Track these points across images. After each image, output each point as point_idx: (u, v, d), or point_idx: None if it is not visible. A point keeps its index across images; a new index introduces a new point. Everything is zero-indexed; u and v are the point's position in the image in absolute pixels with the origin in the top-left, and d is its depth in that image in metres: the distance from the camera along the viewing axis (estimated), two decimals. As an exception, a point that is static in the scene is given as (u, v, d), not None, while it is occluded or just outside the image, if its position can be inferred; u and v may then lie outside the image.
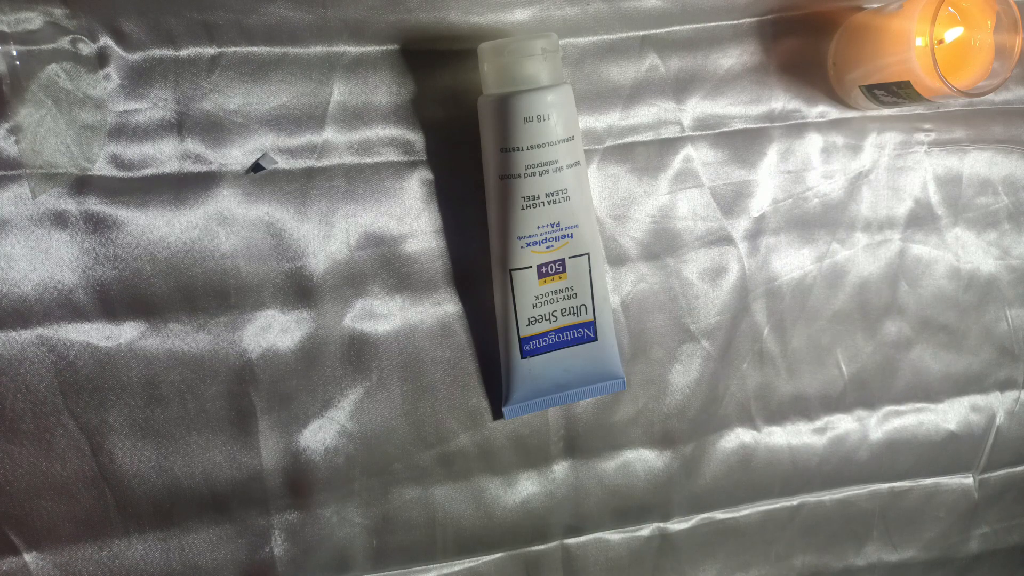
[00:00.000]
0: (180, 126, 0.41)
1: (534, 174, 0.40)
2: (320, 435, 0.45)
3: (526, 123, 0.39)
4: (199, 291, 0.42)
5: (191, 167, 0.41)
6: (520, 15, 0.44)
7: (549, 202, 0.41)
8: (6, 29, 0.38)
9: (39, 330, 0.41)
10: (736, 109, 0.47)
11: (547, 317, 0.43)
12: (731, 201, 0.48)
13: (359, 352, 0.44)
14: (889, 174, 0.50)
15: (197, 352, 0.42)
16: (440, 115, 0.43)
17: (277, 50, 0.42)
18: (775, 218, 0.49)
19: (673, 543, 0.50)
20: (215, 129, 0.41)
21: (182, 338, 0.42)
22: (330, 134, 0.43)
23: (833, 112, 0.49)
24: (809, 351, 0.50)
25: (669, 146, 0.47)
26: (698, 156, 0.47)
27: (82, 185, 0.40)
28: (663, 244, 0.47)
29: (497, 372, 0.46)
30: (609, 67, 0.45)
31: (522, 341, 0.43)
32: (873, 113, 0.49)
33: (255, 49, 0.41)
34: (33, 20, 0.39)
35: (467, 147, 0.43)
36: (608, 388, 0.46)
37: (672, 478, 0.49)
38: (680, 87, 0.46)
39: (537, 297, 0.43)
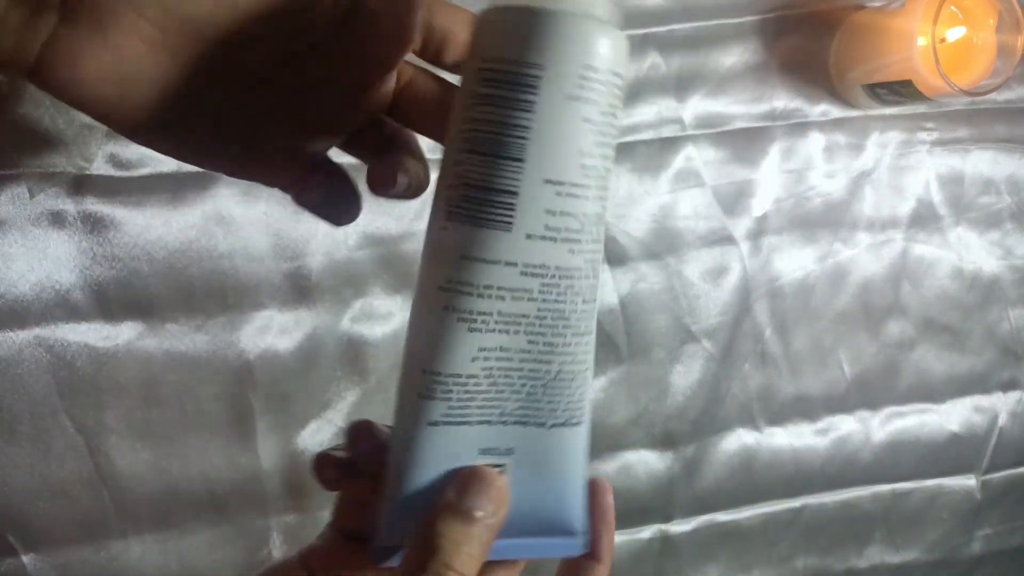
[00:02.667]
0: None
1: None
2: (319, 436, 0.44)
3: None
4: (197, 291, 0.42)
5: (189, 167, 0.41)
6: (520, 13, 0.43)
7: None
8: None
9: (37, 330, 0.41)
10: (738, 108, 0.47)
11: None
12: (733, 200, 0.48)
13: (358, 353, 0.44)
14: (891, 173, 0.50)
15: (195, 353, 0.42)
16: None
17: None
18: (777, 218, 0.48)
19: (674, 545, 0.50)
20: (213, 128, 0.41)
21: (180, 338, 0.42)
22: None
23: (835, 111, 0.49)
24: (811, 352, 0.50)
25: (670, 145, 0.46)
26: (699, 155, 0.47)
27: (80, 185, 0.40)
28: (664, 243, 0.47)
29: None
30: (610, 65, 0.45)
31: None
32: (875, 112, 0.49)
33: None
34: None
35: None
36: None
37: (673, 479, 0.49)
38: (681, 85, 0.46)
39: None
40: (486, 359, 0.23)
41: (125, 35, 0.24)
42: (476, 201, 0.23)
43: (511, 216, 0.22)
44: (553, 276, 0.23)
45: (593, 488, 0.28)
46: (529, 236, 0.22)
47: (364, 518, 0.27)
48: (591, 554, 0.27)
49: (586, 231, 0.23)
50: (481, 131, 0.23)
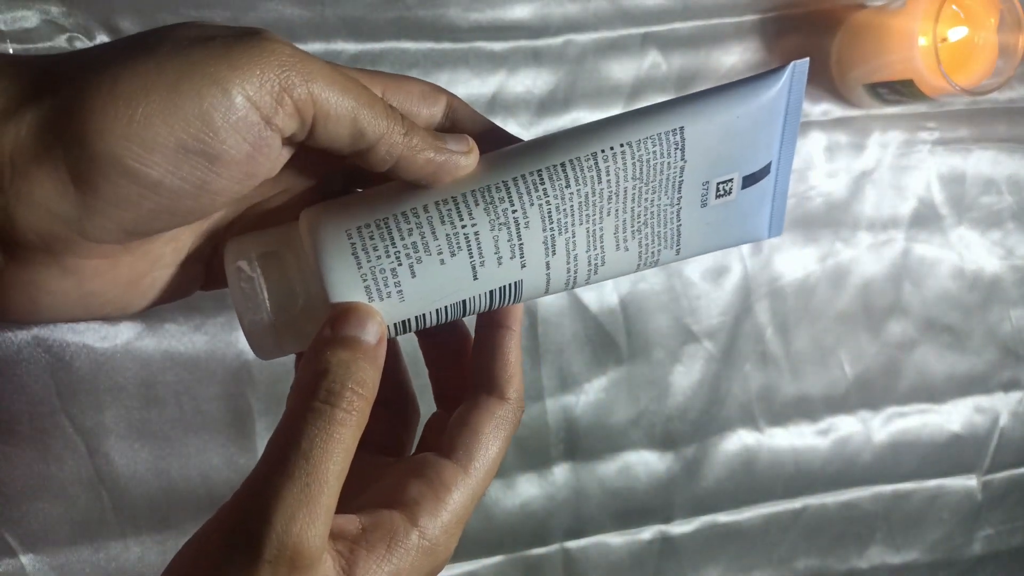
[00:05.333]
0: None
1: None
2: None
3: None
4: (196, 291, 0.42)
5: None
6: (520, 12, 0.43)
7: None
8: (3, 27, 0.38)
9: (35, 331, 0.41)
10: (738, 107, 0.47)
11: None
12: (733, 200, 0.47)
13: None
14: (893, 173, 0.50)
15: (194, 353, 0.42)
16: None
17: (275, 48, 0.41)
18: (777, 218, 0.48)
19: (675, 546, 0.50)
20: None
21: (178, 339, 0.42)
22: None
23: (836, 110, 0.49)
24: (812, 352, 0.50)
25: (671, 145, 0.46)
26: (700, 155, 0.47)
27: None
28: (665, 244, 0.47)
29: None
30: (610, 64, 0.45)
31: None
32: (877, 112, 0.49)
33: (253, 47, 0.41)
34: (30, 18, 0.39)
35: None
36: None
37: (674, 480, 0.49)
38: (682, 85, 0.46)
39: None
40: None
41: (82, 259, 0.22)
42: None
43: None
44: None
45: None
46: None
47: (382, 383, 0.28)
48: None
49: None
50: None
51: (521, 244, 0.25)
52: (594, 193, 0.25)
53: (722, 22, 0.46)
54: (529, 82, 0.44)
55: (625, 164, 0.25)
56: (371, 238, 0.24)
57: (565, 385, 0.47)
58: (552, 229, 0.25)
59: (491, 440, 0.26)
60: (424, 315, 0.25)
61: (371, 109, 0.22)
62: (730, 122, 0.25)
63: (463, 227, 0.24)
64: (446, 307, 0.25)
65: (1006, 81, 0.43)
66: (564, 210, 0.25)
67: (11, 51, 0.38)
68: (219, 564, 0.21)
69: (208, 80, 0.20)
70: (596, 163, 0.24)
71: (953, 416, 0.53)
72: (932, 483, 0.53)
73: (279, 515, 0.21)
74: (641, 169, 0.25)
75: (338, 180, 0.28)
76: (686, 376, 0.48)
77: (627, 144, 0.24)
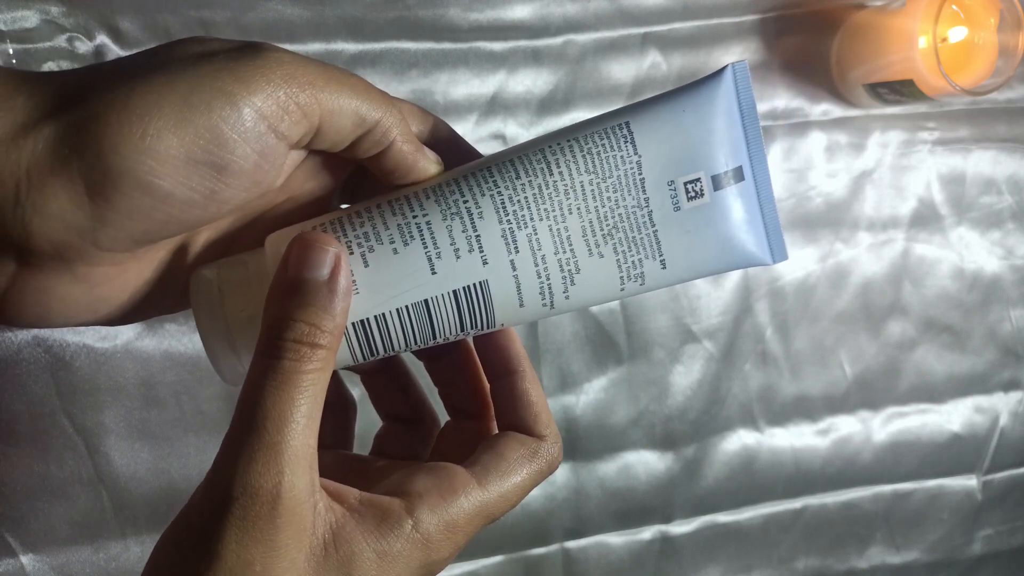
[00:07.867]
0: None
1: None
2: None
3: None
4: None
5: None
6: (520, 12, 0.43)
7: None
8: (3, 27, 0.38)
9: (35, 331, 0.41)
10: (738, 107, 0.47)
11: None
12: (733, 200, 0.47)
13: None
14: (893, 173, 0.50)
15: (193, 353, 0.42)
16: (439, 113, 0.43)
17: (275, 48, 0.41)
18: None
19: (675, 546, 0.50)
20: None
21: (178, 338, 0.42)
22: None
23: (836, 110, 0.49)
24: (812, 352, 0.50)
25: (671, 145, 0.46)
26: (700, 155, 0.47)
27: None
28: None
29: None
30: (611, 64, 0.45)
31: None
32: (877, 112, 0.49)
33: (252, 47, 0.41)
34: (30, 18, 0.39)
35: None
36: None
37: (674, 480, 0.49)
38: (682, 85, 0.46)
39: None
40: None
41: (93, 267, 0.23)
42: None
43: None
44: None
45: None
46: None
47: (394, 401, 0.31)
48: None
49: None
50: None
51: (478, 235, 0.25)
52: (548, 186, 0.25)
53: (722, 22, 0.46)
54: (529, 82, 0.44)
55: (575, 156, 0.25)
56: (324, 233, 0.24)
57: (565, 385, 0.47)
58: (510, 222, 0.25)
59: (515, 466, 0.26)
60: (385, 316, 0.25)
61: (369, 99, 0.24)
62: (677, 116, 0.25)
63: (414, 216, 0.24)
64: (408, 308, 0.25)
65: (1006, 81, 0.43)
66: (519, 201, 0.25)
67: (11, 51, 0.38)
68: (203, 513, 0.23)
69: (217, 93, 0.21)
70: (544, 156, 0.25)
71: (953, 416, 0.53)
72: (932, 483, 0.53)
73: (241, 459, 0.22)
74: (593, 162, 0.25)
75: (337, 191, 0.28)
76: (686, 376, 0.48)
77: (574, 139, 0.25)
